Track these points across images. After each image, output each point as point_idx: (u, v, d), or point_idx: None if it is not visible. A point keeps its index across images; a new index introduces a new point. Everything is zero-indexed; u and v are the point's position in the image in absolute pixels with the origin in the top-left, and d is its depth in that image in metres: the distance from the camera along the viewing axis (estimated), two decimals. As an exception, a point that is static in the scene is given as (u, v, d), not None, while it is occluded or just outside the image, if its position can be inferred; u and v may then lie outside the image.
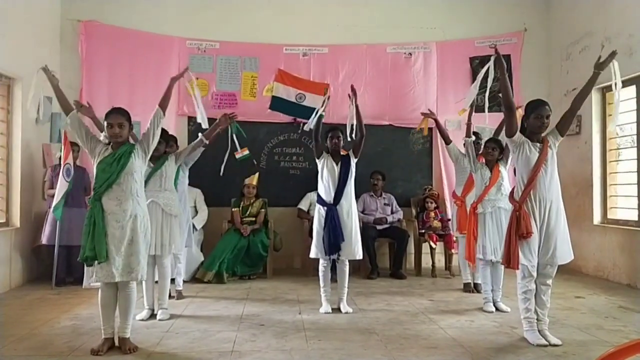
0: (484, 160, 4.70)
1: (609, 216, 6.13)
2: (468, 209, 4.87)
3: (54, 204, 5.20)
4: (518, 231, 3.47)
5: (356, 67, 6.96)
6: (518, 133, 3.58)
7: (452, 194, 5.70)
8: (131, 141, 3.47)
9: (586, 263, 6.26)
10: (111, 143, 3.38)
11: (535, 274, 3.51)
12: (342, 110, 6.85)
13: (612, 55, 3.56)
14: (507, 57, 7.09)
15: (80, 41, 6.53)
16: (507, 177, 4.63)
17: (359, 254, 4.49)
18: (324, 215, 4.42)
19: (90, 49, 6.55)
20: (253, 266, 6.05)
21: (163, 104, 3.55)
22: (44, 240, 5.47)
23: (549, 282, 3.58)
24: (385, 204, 6.57)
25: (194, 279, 5.81)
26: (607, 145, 6.20)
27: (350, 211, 4.46)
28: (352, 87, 4.62)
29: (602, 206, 6.20)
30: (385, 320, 4.19)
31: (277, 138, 6.98)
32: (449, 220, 6.16)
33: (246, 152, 6.86)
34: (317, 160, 4.57)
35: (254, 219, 6.19)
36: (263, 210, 6.27)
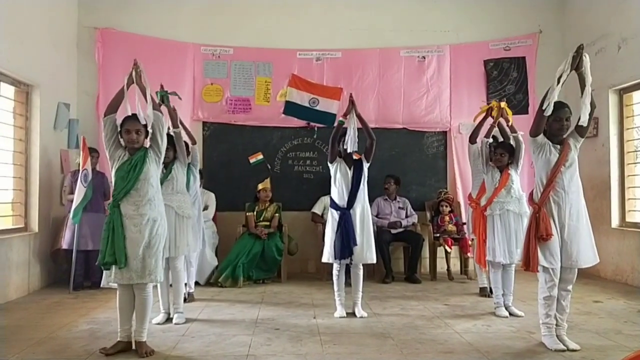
0: (494, 163, 4.65)
1: (628, 219, 6.05)
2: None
3: (72, 209, 5.26)
4: (537, 233, 3.43)
5: (369, 71, 6.97)
6: (542, 135, 3.53)
7: (468, 197, 5.67)
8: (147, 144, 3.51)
9: (604, 267, 6.16)
10: (127, 148, 3.44)
11: (557, 279, 3.47)
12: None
13: (579, 49, 3.38)
14: (522, 59, 7.07)
15: (97, 48, 6.62)
16: (517, 181, 4.57)
17: (371, 258, 4.48)
18: (337, 219, 4.43)
19: (106, 56, 6.64)
20: (268, 270, 6.07)
21: (156, 107, 3.54)
22: (64, 245, 5.53)
23: (570, 287, 3.53)
24: (399, 207, 6.55)
25: (209, 283, 5.84)
26: (625, 148, 6.12)
27: (364, 215, 4.47)
28: (350, 96, 4.64)
29: (620, 209, 6.12)
30: (401, 325, 4.17)
31: (290, 142, 7.01)
32: (464, 224, 6.12)
33: (260, 156, 6.94)
34: (329, 165, 4.59)
35: (268, 223, 6.21)
36: (277, 214, 6.29)
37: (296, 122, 6.95)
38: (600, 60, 6.29)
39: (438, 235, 6.33)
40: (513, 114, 7.00)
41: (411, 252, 6.27)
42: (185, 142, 4.90)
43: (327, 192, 6.55)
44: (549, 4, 7.18)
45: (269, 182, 6.36)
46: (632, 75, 5.85)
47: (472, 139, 5.10)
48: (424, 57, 7.04)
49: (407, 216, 6.53)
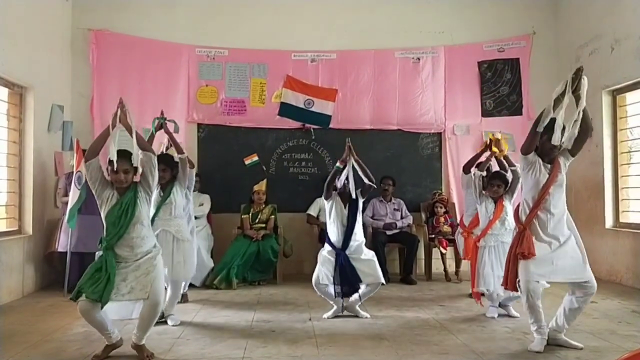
0: (486, 193, 4.61)
1: (621, 220, 6.07)
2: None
3: (67, 212, 5.24)
4: (519, 250, 3.44)
5: (364, 73, 6.98)
6: (533, 152, 3.52)
7: (460, 222, 5.64)
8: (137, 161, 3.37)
9: (599, 267, 6.17)
10: (115, 187, 3.36)
11: (539, 292, 3.45)
12: (351, 115, 6.93)
13: (578, 72, 3.30)
14: (516, 61, 7.09)
15: (91, 50, 6.60)
16: (511, 212, 4.52)
17: (380, 279, 4.38)
18: (333, 258, 4.39)
19: (100, 58, 6.62)
20: (263, 272, 6.06)
21: (147, 147, 3.42)
22: (59, 247, 5.50)
23: (585, 299, 3.49)
24: (394, 209, 6.56)
25: (204, 285, 5.82)
26: (619, 148, 6.15)
27: (360, 247, 4.46)
28: (348, 142, 4.57)
29: (614, 210, 6.14)
30: (396, 326, 4.18)
31: (286, 144, 7.00)
32: (459, 224, 6.13)
33: (255, 158, 6.93)
34: (324, 201, 4.57)
35: (264, 225, 6.21)
36: (273, 216, 6.29)
37: (291, 124, 6.95)
38: (593, 62, 6.32)
39: (433, 236, 6.34)
40: (508, 114, 7.11)
41: (406, 254, 6.28)
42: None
43: (322, 193, 6.60)
44: (542, 5, 7.20)
45: (265, 185, 6.35)
46: (625, 76, 5.88)
47: (466, 169, 5.15)
48: (418, 59, 7.06)
49: (402, 217, 6.54)
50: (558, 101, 3.31)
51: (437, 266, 6.43)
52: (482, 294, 4.47)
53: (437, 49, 7.07)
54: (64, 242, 5.46)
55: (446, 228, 6.32)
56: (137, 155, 3.32)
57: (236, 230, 6.28)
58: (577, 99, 3.33)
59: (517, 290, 3.54)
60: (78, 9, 6.66)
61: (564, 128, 3.36)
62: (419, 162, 7.11)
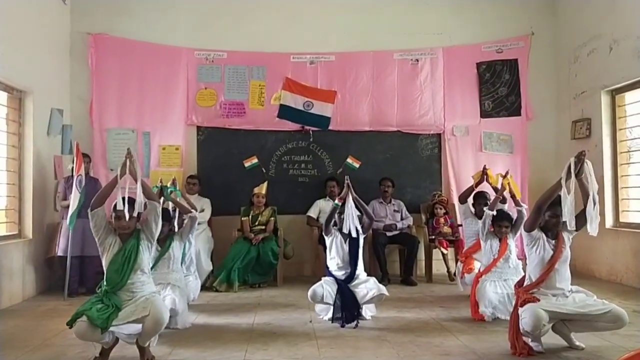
0: (492, 229, 4.60)
1: (621, 219, 6.07)
2: (472, 267, 4.93)
3: (69, 215, 5.24)
4: (522, 299, 3.43)
5: (363, 74, 6.98)
6: (537, 229, 3.53)
7: (461, 254, 5.56)
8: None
9: (599, 267, 6.20)
10: (118, 233, 3.40)
11: (544, 320, 3.37)
12: (350, 117, 6.93)
13: (580, 155, 3.31)
14: (515, 62, 7.10)
15: (90, 53, 6.60)
16: (514, 250, 4.58)
17: (381, 290, 4.33)
18: (334, 289, 4.36)
19: (99, 61, 6.63)
20: (264, 274, 6.06)
21: (152, 196, 3.49)
22: (59, 252, 5.50)
23: (609, 328, 3.46)
24: (394, 210, 6.56)
25: (204, 287, 5.81)
26: (618, 148, 6.15)
27: (359, 276, 4.44)
28: (346, 179, 4.56)
29: (613, 210, 6.14)
30: (397, 328, 4.18)
31: (285, 146, 6.99)
32: (460, 225, 6.13)
33: (255, 160, 6.93)
34: (325, 236, 4.57)
35: (263, 227, 6.20)
36: (272, 218, 6.28)
37: (291, 126, 6.94)
38: (592, 62, 6.33)
39: (433, 237, 6.34)
40: (506, 115, 7.12)
41: (407, 255, 6.28)
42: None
43: (322, 195, 6.62)
44: (540, 5, 7.21)
45: (265, 187, 6.34)
46: (623, 75, 5.88)
47: (462, 199, 5.22)
48: (417, 60, 7.06)
49: (402, 219, 6.54)
50: (559, 184, 3.32)
51: (437, 267, 6.43)
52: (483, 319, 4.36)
53: (436, 50, 7.07)
54: (63, 246, 5.46)
55: (446, 229, 6.32)
56: (141, 203, 3.34)
57: (236, 232, 6.28)
58: (581, 182, 3.32)
59: (531, 354, 3.43)
60: (77, 13, 6.67)
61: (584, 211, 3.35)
62: (419, 163, 7.10)
